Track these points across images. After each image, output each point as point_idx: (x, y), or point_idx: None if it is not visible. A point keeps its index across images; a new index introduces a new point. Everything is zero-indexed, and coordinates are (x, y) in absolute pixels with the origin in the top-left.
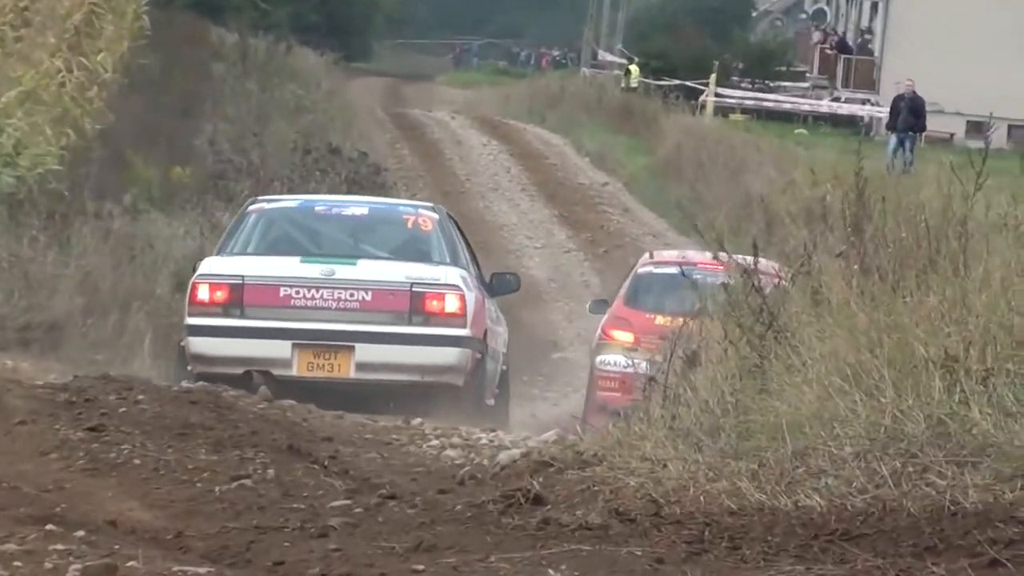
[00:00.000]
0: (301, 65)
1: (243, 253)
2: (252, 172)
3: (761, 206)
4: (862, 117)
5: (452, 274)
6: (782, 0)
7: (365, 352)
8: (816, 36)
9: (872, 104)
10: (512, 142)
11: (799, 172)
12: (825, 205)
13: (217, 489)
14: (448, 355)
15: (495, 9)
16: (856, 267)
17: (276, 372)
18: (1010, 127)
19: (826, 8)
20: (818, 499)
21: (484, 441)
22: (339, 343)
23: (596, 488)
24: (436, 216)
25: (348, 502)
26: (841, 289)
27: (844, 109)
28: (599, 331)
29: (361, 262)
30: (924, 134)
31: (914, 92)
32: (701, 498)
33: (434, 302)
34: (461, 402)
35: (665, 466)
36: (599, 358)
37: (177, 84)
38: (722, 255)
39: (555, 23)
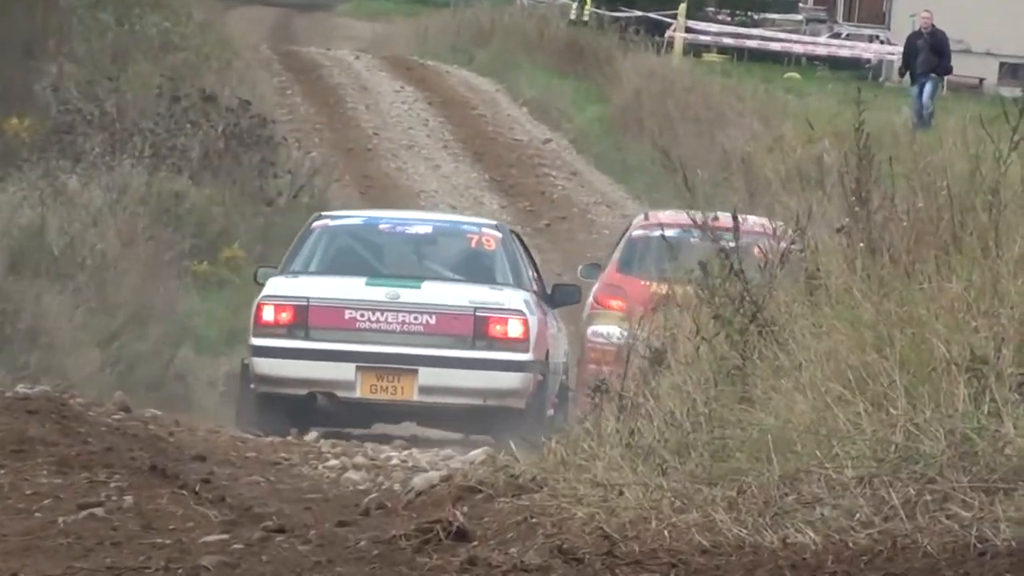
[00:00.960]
0: None
1: (307, 272)
2: (106, 125)
3: (742, 167)
4: (868, 59)
5: (516, 298)
6: None
7: (428, 376)
8: None
9: (881, 42)
10: (431, 88)
11: (790, 126)
12: (822, 167)
13: (61, 520)
14: (511, 380)
15: None
16: (861, 245)
17: (340, 393)
18: None
19: None
20: (812, 534)
21: (395, 461)
22: (403, 366)
23: (535, 520)
24: (499, 235)
25: (225, 536)
26: (842, 273)
27: (846, 48)
28: (591, 299)
29: (426, 284)
30: (948, 79)
31: (933, 26)
32: (666, 533)
33: (497, 327)
34: (523, 423)
35: (621, 493)
36: (591, 329)
37: (12, 16)
38: (721, 215)
39: None
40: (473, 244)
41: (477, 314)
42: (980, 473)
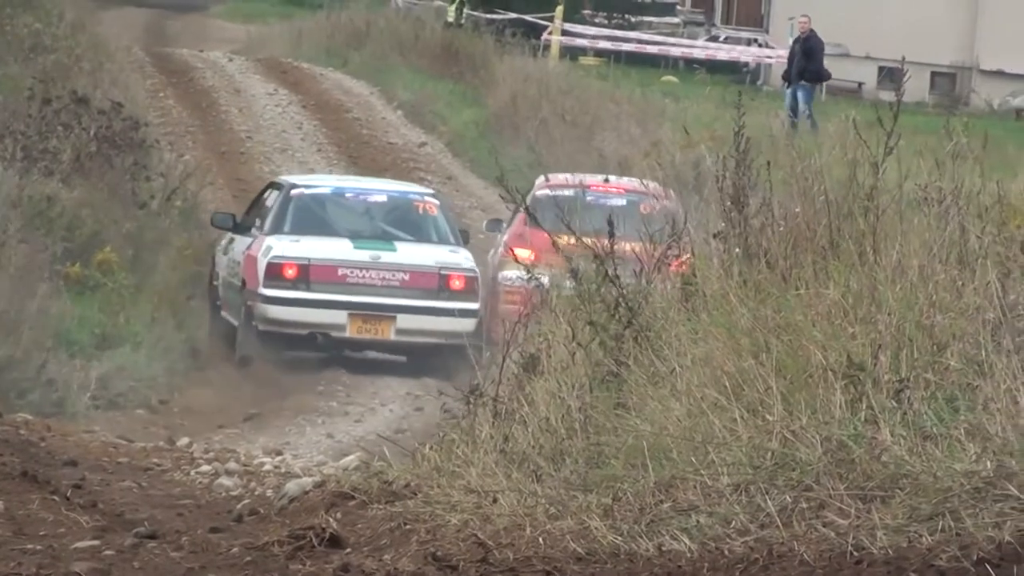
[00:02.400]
0: None
1: (298, 233)
2: None
3: (618, 172)
4: (746, 62)
5: (467, 258)
6: None
7: (404, 320)
8: None
9: (760, 45)
10: (305, 91)
11: (667, 130)
12: (699, 172)
13: None
14: (467, 324)
15: None
16: (737, 251)
17: (334, 334)
18: (932, 75)
19: None
20: (688, 542)
21: (268, 467)
22: (384, 313)
23: (409, 527)
24: (437, 201)
25: (96, 543)
26: (718, 278)
27: (724, 52)
28: (501, 248)
29: (399, 247)
30: (827, 83)
31: (810, 32)
32: (540, 540)
33: (457, 282)
34: (464, 355)
35: (495, 500)
36: (502, 273)
37: None
38: (611, 178)
39: None
40: (420, 210)
41: (441, 272)
42: (857, 480)
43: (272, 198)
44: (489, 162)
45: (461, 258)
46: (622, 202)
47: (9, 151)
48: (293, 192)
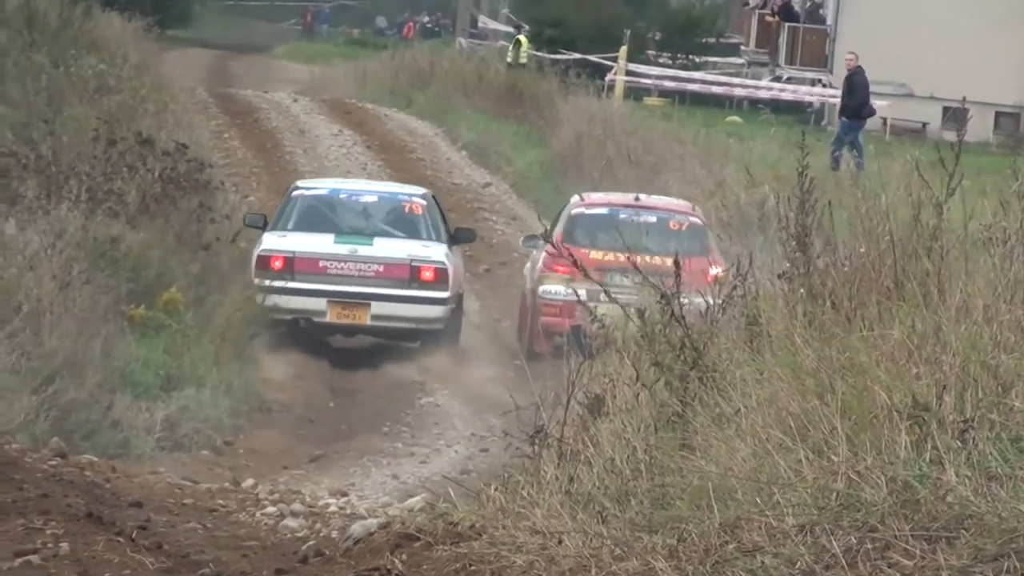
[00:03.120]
0: (104, 33)
1: (296, 230)
2: (42, 168)
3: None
4: (810, 102)
5: (439, 251)
6: None
7: (379, 307)
8: None
9: (824, 85)
10: (369, 131)
11: (731, 170)
12: (763, 212)
13: None
14: (435, 311)
15: None
16: (802, 291)
17: (315, 319)
18: (997, 115)
19: None
20: None
21: (333, 508)
22: (360, 301)
23: (474, 568)
24: (425, 202)
25: None
26: (783, 319)
27: (788, 92)
28: (540, 265)
29: (376, 240)
30: (891, 124)
31: (857, 67)
32: None
33: (426, 273)
34: (440, 339)
35: (560, 541)
36: (542, 288)
37: None
38: (642, 196)
39: None
40: (407, 209)
41: (412, 264)
42: (922, 521)
43: (284, 199)
44: (554, 202)
45: (432, 252)
46: (652, 219)
47: (74, 192)
48: (294, 193)
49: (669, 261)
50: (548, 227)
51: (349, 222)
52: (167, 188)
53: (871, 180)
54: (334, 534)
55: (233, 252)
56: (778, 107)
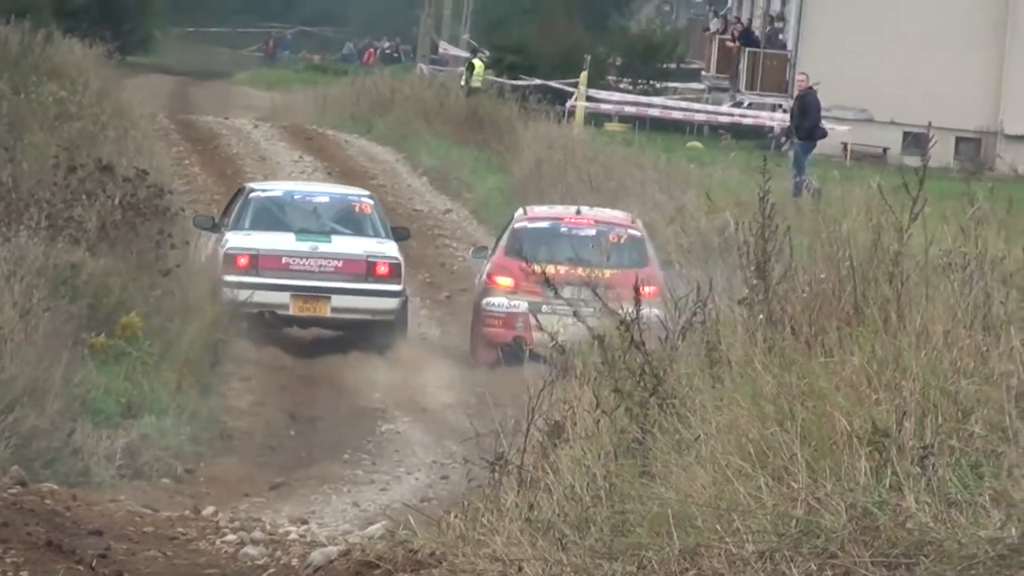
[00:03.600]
0: (65, 60)
1: (253, 229)
2: (2, 195)
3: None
4: (771, 127)
5: (392, 248)
6: None
7: (338, 300)
8: (714, 24)
9: (784, 111)
10: (330, 158)
11: (692, 196)
12: (724, 238)
13: None
14: (389, 303)
15: None
16: (762, 317)
17: (279, 312)
18: (957, 140)
19: None
20: None
21: (293, 536)
22: (320, 295)
23: None
24: (372, 202)
25: None
26: (743, 345)
27: (749, 117)
28: (484, 277)
29: (334, 239)
30: (851, 148)
31: (809, 88)
32: None
33: (382, 268)
34: (392, 329)
35: (520, 568)
36: (485, 300)
37: None
38: (583, 209)
39: (383, 5)
40: (357, 209)
41: (368, 260)
42: (882, 547)
43: (237, 201)
44: None
45: (386, 248)
46: (592, 232)
47: (35, 219)
48: (251, 195)
49: (608, 272)
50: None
51: (305, 222)
52: (127, 215)
53: (832, 206)
54: (294, 562)
55: (193, 279)
56: (739, 132)
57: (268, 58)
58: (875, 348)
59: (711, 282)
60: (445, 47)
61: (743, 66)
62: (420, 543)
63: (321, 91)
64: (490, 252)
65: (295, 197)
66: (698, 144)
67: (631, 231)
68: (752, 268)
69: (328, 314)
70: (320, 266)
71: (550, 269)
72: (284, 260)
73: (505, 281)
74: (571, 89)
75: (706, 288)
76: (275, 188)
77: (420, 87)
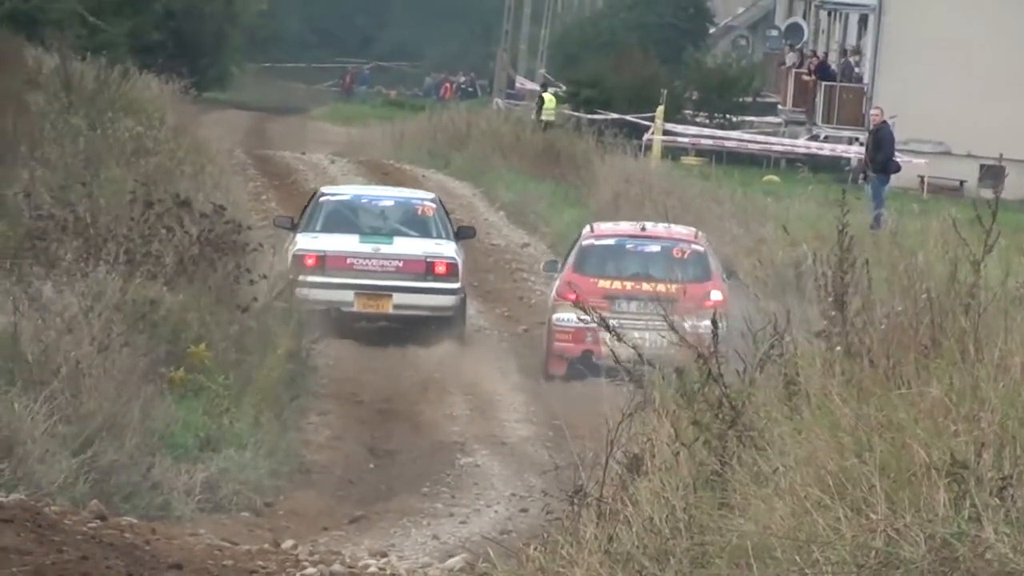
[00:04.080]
0: (141, 95)
1: (322, 231)
2: (80, 230)
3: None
4: (848, 160)
5: (450, 248)
6: (747, 12)
7: (399, 298)
8: (791, 58)
9: (861, 144)
10: None
11: (769, 229)
12: (801, 270)
13: None
14: (447, 300)
15: (384, 22)
16: (839, 349)
17: (344, 309)
18: None
19: (802, 22)
20: None
21: (373, 569)
22: (383, 293)
23: None
24: (435, 205)
25: None
26: (821, 377)
27: (826, 150)
28: (553, 293)
29: (396, 240)
30: (928, 181)
31: (883, 123)
32: None
33: (440, 267)
34: (451, 324)
35: None
36: (555, 315)
37: None
38: (648, 225)
39: (460, 41)
40: (419, 212)
41: (427, 260)
42: None
43: (311, 204)
44: None
45: (444, 249)
46: (657, 248)
47: (112, 255)
48: (322, 199)
49: (673, 287)
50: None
51: (370, 223)
52: (205, 250)
53: (909, 238)
54: None
55: (272, 313)
56: (816, 165)
57: (345, 93)
58: (953, 380)
59: (788, 314)
60: (521, 82)
61: (819, 99)
62: (500, 575)
63: (398, 126)
64: (560, 267)
65: (363, 201)
66: (775, 177)
67: (695, 246)
68: (830, 300)
69: (390, 311)
70: (382, 266)
71: (617, 284)
72: (349, 260)
73: (572, 296)
74: (647, 123)
75: (783, 320)
76: (345, 192)
77: (496, 122)
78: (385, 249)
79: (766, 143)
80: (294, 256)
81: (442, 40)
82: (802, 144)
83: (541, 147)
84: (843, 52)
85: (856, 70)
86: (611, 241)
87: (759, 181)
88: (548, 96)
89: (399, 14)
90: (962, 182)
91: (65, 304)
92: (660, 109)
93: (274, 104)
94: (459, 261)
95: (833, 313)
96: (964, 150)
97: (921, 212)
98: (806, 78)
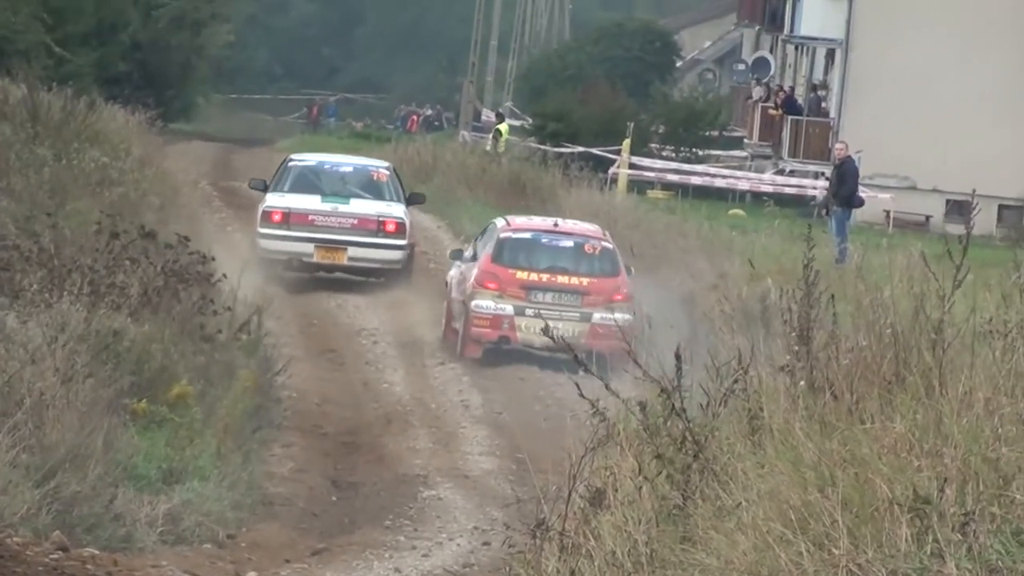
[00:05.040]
0: (107, 126)
1: (288, 191)
2: (44, 261)
3: (685, 306)
4: (814, 195)
5: (399, 209)
6: (714, 46)
7: (353, 251)
8: (757, 92)
9: (826, 178)
10: None
11: (734, 263)
12: (766, 305)
13: None
14: (396, 254)
15: (350, 54)
16: (803, 384)
17: (305, 259)
18: (1000, 208)
19: (769, 57)
20: None
21: None
22: (339, 246)
23: None
24: (388, 172)
25: None
26: (784, 412)
27: (792, 185)
28: (472, 280)
29: (352, 200)
30: (894, 216)
31: (847, 157)
32: None
33: (390, 226)
34: (399, 275)
35: None
36: (473, 302)
37: None
38: (560, 221)
39: (426, 73)
40: (375, 177)
41: (379, 219)
42: None
43: (281, 168)
44: None
45: (395, 210)
46: (570, 243)
47: (77, 285)
48: (290, 164)
49: (585, 280)
50: (473, 244)
51: (331, 186)
52: (170, 281)
53: (874, 273)
54: None
55: (235, 344)
56: (781, 200)
57: (311, 124)
58: (916, 415)
59: (752, 349)
60: (488, 114)
61: (786, 134)
62: None
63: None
64: (468, 256)
65: (326, 166)
66: (740, 212)
67: (604, 243)
68: (794, 335)
69: (345, 262)
70: (339, 223)
71: (534, 276)
72: (310, 217)
73: (491, 285)
74: (614, 156)
75: (748, 355)
76: (311, 159)
77: (463, 154)
78: (342, 208)
79: (732, 177)
80: (263, 212)
81: (408, 72)
82: (768, 178)
83: (507, 180)
84: (810, 86)
85: (823, 104)
86: (527, 235)
87: (725, 215)
88: (504, 127)
89: (365, 46)
90: (928, 217)
91: (29, 335)
92: (626, 142)
93: (240, 135)
94: (407, 221)
95: (797, 348)
96: (930, 185)
97: (887, 247)
98: (772, 112)
